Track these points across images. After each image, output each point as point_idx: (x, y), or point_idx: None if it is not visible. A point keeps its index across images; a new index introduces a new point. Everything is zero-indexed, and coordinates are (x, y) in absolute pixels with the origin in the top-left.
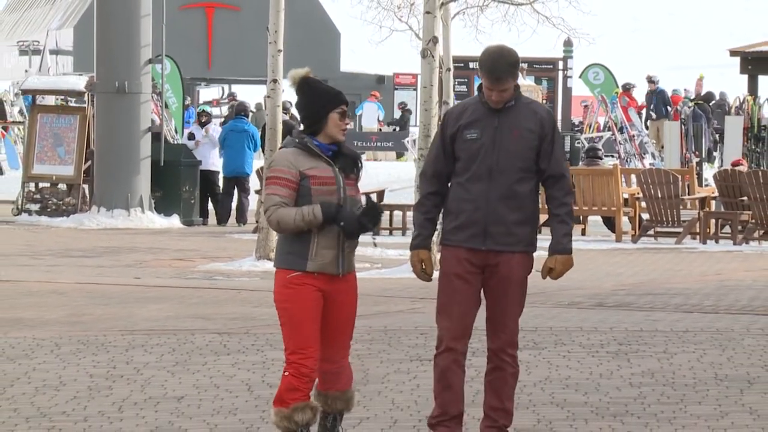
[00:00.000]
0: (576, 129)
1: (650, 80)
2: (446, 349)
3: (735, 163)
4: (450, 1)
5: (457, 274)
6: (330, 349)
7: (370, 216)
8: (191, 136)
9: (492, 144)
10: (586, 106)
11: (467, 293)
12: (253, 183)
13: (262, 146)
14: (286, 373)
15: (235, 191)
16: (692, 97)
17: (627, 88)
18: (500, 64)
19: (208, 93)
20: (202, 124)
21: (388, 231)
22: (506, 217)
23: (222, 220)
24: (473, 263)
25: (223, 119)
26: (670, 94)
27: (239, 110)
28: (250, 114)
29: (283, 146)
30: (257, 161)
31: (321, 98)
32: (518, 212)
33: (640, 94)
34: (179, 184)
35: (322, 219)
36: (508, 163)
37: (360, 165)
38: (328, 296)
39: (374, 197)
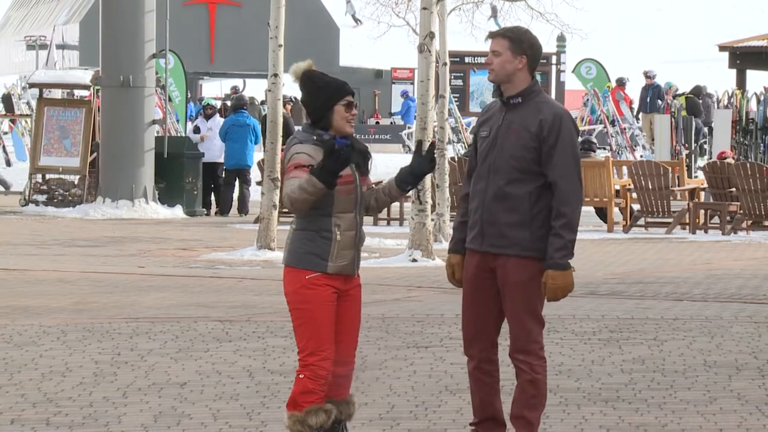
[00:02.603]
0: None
1: (646, 75)
2: (467, 355)
3: (721, 156)
4: None
5: (467, 278)
6: (342, 350)
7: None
8: (196, 129)
9: (494, 142)
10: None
11: (475, 298)
12: (254, 175)
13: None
14: (301, 376)
15: (236, 182)
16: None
17: (622, 83)
18: (500, 29)
19: (210, 87)
20: (208, 117)
21: (385, 221)
22: (499, 218)
23: (224, 210)
24: (480, 266)
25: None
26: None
27: (239, 104)
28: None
29: (297, 141)
30: (257, 153)
31: (324, 91)
32: (512, 214)
33: (633, 88)
34: (182, 176)
35: (320, 183)
36: (503, 162)
37: (370, 158)
38: (341, 296)
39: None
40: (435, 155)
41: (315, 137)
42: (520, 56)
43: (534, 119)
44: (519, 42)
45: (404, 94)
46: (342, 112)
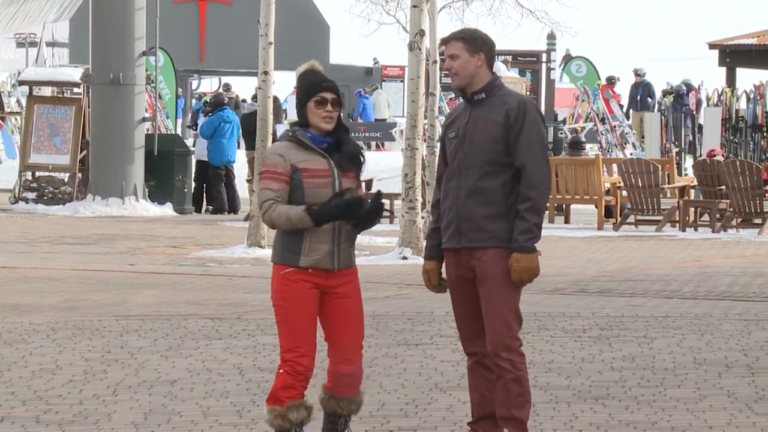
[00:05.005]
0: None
1: (636, 73)
2: (466, 353)
3: (710, 154)
4: None
5: (451, 280)
6: (344, 349)
7: (371, 213)
8: (197, 127)
9: (462, 139)
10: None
11: (463, 299)
12: (243, 171)
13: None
14: (281, 371)
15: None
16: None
17: (611, 82)
18: (453, 32)
19: (200, 84)
20: (207, 115)
21: None
22: (475, 212)
23: (220, 209)
24: (460, 265)
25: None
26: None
27: (219, 102)
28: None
29: (277, 140)
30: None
31: (301, 90)
32: (488, 207)
33: (623, 87)
34: (172, 174)
35: (312, 224)
36: (475, 158)
37: (360, 160)
38: (327, 293)
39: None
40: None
41: (291, 133)
42: (477, 54)
43: (500, 110)
44: (473, 41)
45: (358, 93)
46: (313, 109)
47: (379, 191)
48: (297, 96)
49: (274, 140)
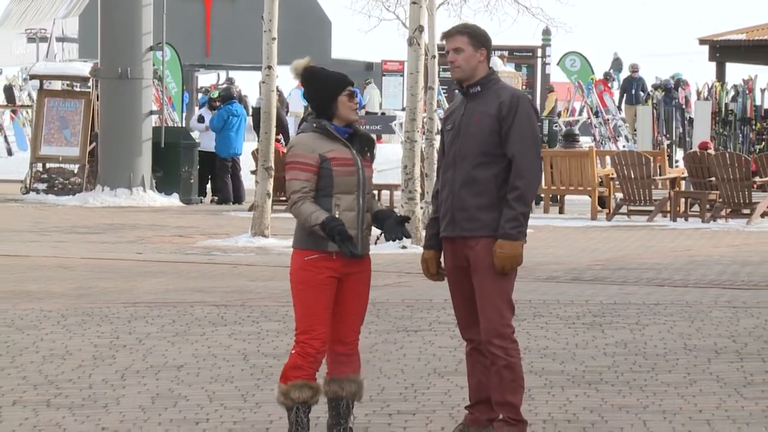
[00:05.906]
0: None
1: (633, 69)
2: (465, 339)
3: (702, 146)
4: None
5: (448, 269)
6: (342, 330)
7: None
8: (201, 119)
9: (458, 131)
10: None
11: (460, 286)
12: (248, 163)
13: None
14: (293, 351)
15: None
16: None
17: (606, 78)
18: (455, 26)
19: (206, 79)
20: (213, 110)
21: None
22: (468, 202)
23: (225, 200)
24: (456, 254)
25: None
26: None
27: (229, 95)
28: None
29: (300, 131)
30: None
31: (328, 84)
32: (480, 197)
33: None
34: (179, 165)
35: (322, 233)
36: (468, 149)
37: (374, 145)
38: (343, 276)
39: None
40: (405, 232)
41: (315, 125)
42: (480, 49)
43: (494, 103)
44: (477, 36)
45: None
46: (346, 102)
47: (407, 217)
48: (321, 91)
49: (278, 131)
